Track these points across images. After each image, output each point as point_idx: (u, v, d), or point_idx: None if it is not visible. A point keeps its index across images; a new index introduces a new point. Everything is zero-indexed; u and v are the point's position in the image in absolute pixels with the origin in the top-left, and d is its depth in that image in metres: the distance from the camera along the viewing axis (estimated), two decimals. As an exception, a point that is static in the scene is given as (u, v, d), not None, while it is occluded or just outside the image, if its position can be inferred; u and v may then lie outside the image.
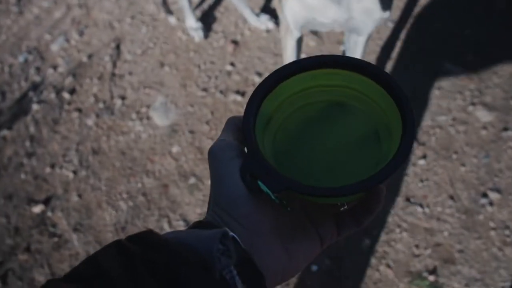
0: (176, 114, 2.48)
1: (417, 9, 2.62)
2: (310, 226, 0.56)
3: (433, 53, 2.47)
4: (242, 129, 0.54)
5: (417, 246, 1.97)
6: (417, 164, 2.17)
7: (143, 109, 2.52)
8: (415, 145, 2.21)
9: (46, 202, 2.33)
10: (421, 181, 2.12)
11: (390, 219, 2.05)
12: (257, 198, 0.51)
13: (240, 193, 0.51)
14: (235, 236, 0.48)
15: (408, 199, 2.08)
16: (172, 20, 2.79)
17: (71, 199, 2.32)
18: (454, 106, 2.30)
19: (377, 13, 1.58)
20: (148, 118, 2.50)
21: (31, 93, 2.67)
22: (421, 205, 2.06)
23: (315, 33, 2.59)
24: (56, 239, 2.22)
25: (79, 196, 2.32)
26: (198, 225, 0.52)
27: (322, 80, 0.59)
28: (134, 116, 2.51)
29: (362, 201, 0.54)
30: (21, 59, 2.82)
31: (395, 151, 0.51)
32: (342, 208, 0.57)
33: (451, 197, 2.07)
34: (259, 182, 0.50)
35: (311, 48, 2.55)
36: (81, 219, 2.26)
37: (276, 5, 1.82)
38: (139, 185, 2.31)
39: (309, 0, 1.55)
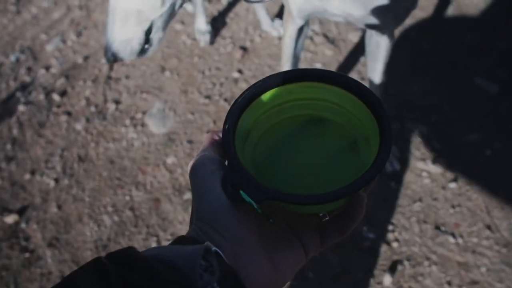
0: (175, 122, 2.22)
1: (446, 18, 2.37)
2: (294, 237, 0.55)
3: (464, 66, 2.20)
4: (222, 142, 0.55)
5: (449, 283, 1.65)
6: (448, 187, 1.86)
7: (138, 115, 2.26)
8: (444, 165, 1.92)
9: (21, 212, 2.05)
10: (453, 207, 1.82)
11: (417, 249, 1.73)
12: (240, 210, 0.51)
13: (222, 205, 0.51)
14: (218, 251, 0.47)
15: (438, 227, 1.77)
16: (177, 24, 2.56)
17: (49, 210, 2.03)
18: (487, 123, 2.01)
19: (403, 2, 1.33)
20: (143, 125, 2.23)
21: (18, 94, 2.43)
22: (453, 235, 1.75)
23: (331, 41, 2.34)
24: (27, 255, 1.93)
25: (59, 207, 2.04)
26: (181, 240, 0.50)
27: (299, 93, 0.61)
28: (127, 122, 2.25)
29: (345, 210, 0.55)
30: (12, 58, 2.59)
31: (374, 159, 0.52)
32: (324, 219, 0.56)
33: (488, 227, 1.75)
34: (241, 193, 0.50)
35: (328, 58, 2.29)
36: (58, 233, 1.97)
37: None
38: (127, 198, 2.03)
39: None
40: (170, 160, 2.10)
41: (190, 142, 2.14)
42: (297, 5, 1.44)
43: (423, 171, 1.91)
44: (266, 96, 0.59)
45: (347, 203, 0.54)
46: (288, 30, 1.63)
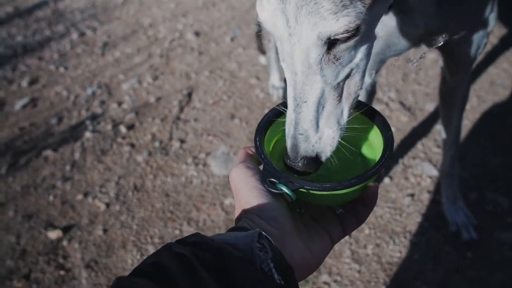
0: (237, 167, 2.15)
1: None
2: (320, 227, 0.69)
3: None
4: (255, 150, 0.70)
5: None
6: (530, 268, 1.67)
7: (201, 155, 2.21)
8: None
9: (66, 230, 1.97)
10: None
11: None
12: (279, 203, 0.64)
13: (266, 200, 0.64)
14: (268, 236, 0.58)
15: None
16: (252, 79, 2.59)
17: (94, 232, 1.95)
18: None
19: (484, 12, 1.22)
20: (205, 165, 2.17)
21: (87, 122, 2.45)
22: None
23: (408, 109, 2.28)
24: (62, 272, 1.82)
25: (105, 230, 1.95)
26: (233, 229, 0.61)
27: None
28: (189, 160, 2.20)
29: (360, 201, 0.69)
30: (89, 91, 2.66)
31: (378, 159, 0.67)
32: (338, 211, 0.70)
33: None
34: (278, 185, 0.64)
35: (402, 123, 2.22)
36: (98, 256, 1.86)
37: None
38: (177, 232, 1.92)
39: (388, 20, 1.19)
40: (227, 201, 2.01)
41: (250, 186, 2.05)
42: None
43: (505, 243, 1.73)
44: (285, 116, 0.74)
45: (360, 195, 0.68)
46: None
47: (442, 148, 1.78)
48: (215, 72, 2.69)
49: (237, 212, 0.65)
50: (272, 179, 0.64)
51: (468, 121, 2.21)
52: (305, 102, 0.77)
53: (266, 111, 2.36)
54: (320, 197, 0.65)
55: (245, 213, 0.63)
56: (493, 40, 2.67)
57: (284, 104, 0.75)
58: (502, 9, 2.85)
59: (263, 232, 0.57)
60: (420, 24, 1.19)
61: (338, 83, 0.78)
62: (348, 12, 0.70)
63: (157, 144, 2.29)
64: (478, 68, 2.49)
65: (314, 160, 0.78)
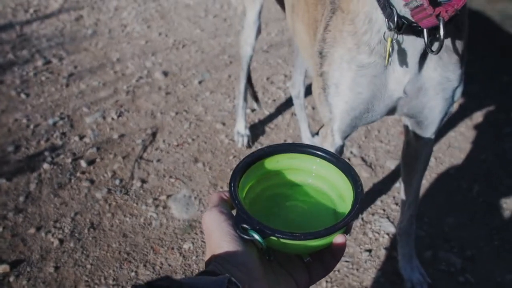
0: (198, 211, 2.13)
1: (484, 161, 2.38)
2: (287, 274, 0.71)
3: (502, 208, 2.15)
4: (230, 195, 0.68)
5: None
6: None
7: (162, 197, 2.19)
8: None
9: (14, 264, 1.88)
10: None
11: None
12: (249, 250, 0.65)
13: (237, 245, 0.64)
14: (237, 282, 0.58)
15: None
16: (218, 124, 2.60)
17: (45, 269, 1.87)
18: None
19: (455, 83, 1.27)
20: (165, 207, 2.15)
21: (46, 153, 2.39)
22: None
23: (369, 165, 2.34)
24: (7, 311, 1.73)
25: (56, 268, 1.88)
26: (203, 273, 0.62)
27: (285, 163, 0.76)
28: (150, 201, 2.16)
29: (328, 251, 0.69)
30: (50, 121, 2.60)
31: (349, 211, 0.68)
32: (306, 260, 0.71)
33: None
34: (250, 232, 0.65)
35: (363, 179, 2.27)
36: (48, 296, 1.79)
37: (317, 97, 1.38)
38: (132, 274, 1.87)
39: (371, 71, 1.22)
40: (186, 245, 1.98)
41: (210, 232, 2.04)
42: (342, 108, 1.30)
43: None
44: (263, 162, 0.75)
45: (329, 245, 0.68)
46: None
47: (401, 207, 1.83)
48: (181, 114, 2.70)
49: (207, 256, 0.66)
50: (245, 225, 0.65)
51: (426, 181, 2.28)
52: None
53: (231, 157, 2.37)
54: (290, 245, 0.66)
55: (216, 257, 0.64)
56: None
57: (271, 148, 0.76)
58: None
59: (232, 278, 0.58)
60: (400, 86, 1.24)
61: None
62: None
63: (117, 182, 2.25)
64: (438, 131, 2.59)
65: None
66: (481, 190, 2.26)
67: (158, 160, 2.39)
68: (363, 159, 2.39)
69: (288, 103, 2.72)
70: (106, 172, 2.31)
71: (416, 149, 1.57)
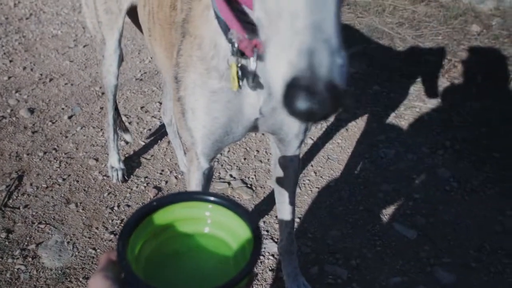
0: (73, 257, 1.97)
1: (362, 170, 2.44)
2: None
3: (382, 213, 2.20)
4: (117, 257, 0.64)
5: None
6: None
7: (31, 246, 2.00)
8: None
9: None
10: None
11: None
12: None
13: None
14: None
15: None
16: (91, 160, 2.45)
17: None
18: (409, 267, 1.96)
19: None
20: (35, 257, 1.96)
21: None
22: None
23: (249, 186, 2.31)
24: None
25: None
26: None
27: (180, 213, 0.72)
28: (17, 252, 1.97)
29: None
30: None
31: (247, 261, 0.64)
32: None
33: None
34: None
35: (245, 201, 2.23)
36: None
37: (178, 122, 1.35)
38: (-3, 338, 1.68)
39: (224, 96, 1.18)
40: (59, 297, 1.81)
41: (87, 278, 1.88)
42: (202, 132, 1.27)
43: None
44: (152, 217, 0.70)
45: None
46: (193, 177, 1.43)
47: (279, 225, 1.80)
48: (50, 153, 2.51)
49: None
50: None
51: (307, 196, 2.29)
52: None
53: (105, 194, 2.23)
54: None
55: None
56: (326, 117, 2.86)
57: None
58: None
59: None
60: (255, 109, 1.21)
61: None
62: None
63: (-23, 236, 2.03)
64: (315, 144, 2.63)
65: (339, 96, 0.51)
66: (361, 199, 2.30)
67: (26, 206, 2.19)
68: (243, 181, 2.35)
69: (164, 131, 2.63)
70: (-36, 227, 2.07)
71: (283, 166, 1.55)
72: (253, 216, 0.72)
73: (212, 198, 0.72)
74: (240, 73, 1.10)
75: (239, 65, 1.08)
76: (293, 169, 1.56)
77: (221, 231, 0.73)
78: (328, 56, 0.49)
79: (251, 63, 1.00)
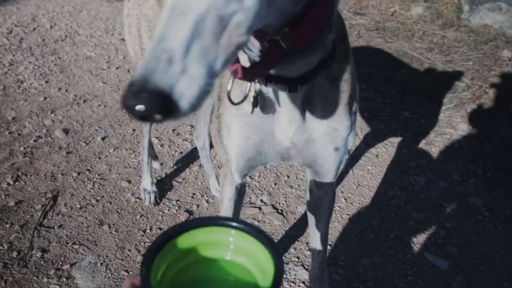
0: (106, 278, 2.00)
1: (392, 197, 2.43)
2: None
3: (413, 242, 2.19)
4: (141, 284, 0.61)
5: None
6: None
7: (65, 266, 2.03)
8: None
9: None
10: None
11: None
12: None
13: None
14: None
15: None
16: (123, 182, 2.49)
17: None
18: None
19: (343, 133, 1.28)
20: (69, 277, 1.99)
21: None
22: None
23: (280, 212, 2.32)
24: None
25: None
26: None
27: (202, 238, 0.71)
28: (51, 272, 2.00)
29: None
30: None
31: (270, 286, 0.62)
32: None
33: None
34: None
35: (276, 227, 2.24)
36: None
37: (214, 139, 1.40)
38: None
39: (256, 119, 1.24)
40: (92, 318, 1.84)
41: (119, 300, 1.91)
42: (235, 150, 1.33)
43: None
44: (175, 242, 0.70)
45: None
46: (226, 191, 1.50)
47: (311, 253, 1.80)
48: (83, 174, 2.56)
49: None
50: None
51: (337, 223, 2.29)
52: (183, 13, 0.63)
53: (138, 217, 2.26)
54: None
55: None
56: (358, 142, 2.86)
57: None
58: (365, 107, 3.07)
59: None
60: (286, 136, 1.24)
61: (224, 18, 0.65)
62: None
63: (14, 254, 2.07)
64: (345, 170, 2.63)
65: (162, 99, 0.58)
66: (392, 227, 2.29)
67: (60, 226, 2.23)
68: (274, 207, 2.36)
69: (195, 154, 2.66)
70: (1, 244, 2.12)
71: (318, 197, 1.56)
72: (276, 244, 0.69)
73: (235, 224, 0.71)
74: (252, 98, 1.14)
75: (251, 90, 1.13)
76: (327, 200, 1.57)
77: (244, 257, 0.72)
78: (163, 63, 0.58)
79: (228, 85, 0.99)
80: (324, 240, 1.69)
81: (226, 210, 1.53)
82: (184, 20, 0.62)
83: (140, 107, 0.58)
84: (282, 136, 1.26)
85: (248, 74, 0.96)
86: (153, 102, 0.57)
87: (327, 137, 1.27)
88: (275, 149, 1.30)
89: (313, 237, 1.71)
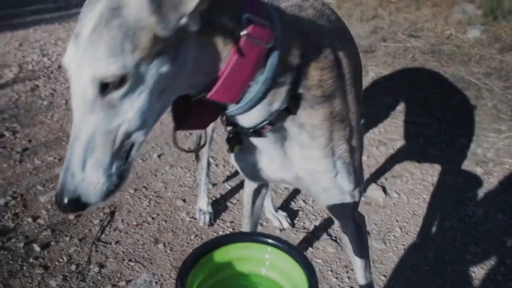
0: (160, 296, 2.03)
1: (449, 228, 2.37)
2: None
3: (471, 277, 2.13)
4: None
5: None
6: None
7: (121, 283, 2.07)
8: None
9: None
10: None
11: None
12: None
13: None
14: None
15: None
16: (179, 201, 2.53)
17: None
18: None
19: (328, 175, 1.27)
20: (125, 294, 2.04)
21: (-4, 238, 2.26)
22: None
23: (334, 239, 2.30)
24: None
25: None
26: None
27: (234, 253, 0.73)
28: (108, 288, 2.05)
29: None
30: (1, 201, 2.47)
31: None
32: None
33: None
34: None
35: (329, 254, 2.22)
36: None
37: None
38: None
39: (241, 154, 1.32)
40: (147, 337, 1.87)
41: (173, 320, 1.93)
42: (240, 170, 1.45)
43: None
44: (210, 256, 0.73)
45: None
46: (246, 188, 1.72)
47: (359, 284, 1.76)
48: (140, 191, 2.61)
49: None
50: None
51: (392, 253, 2.25)
52: (77, 139, 0.86)
53: (192, 237, 2.28)
54: None
55: None
56: (413, 170, 2.82)
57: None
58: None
59: None
60: (271, 171, 1.32)
61: (112, 131, 0.87)
62: (116, 60, 0.83)
63: (73, 267, 2.13)
64: (400, 198, 2.59)
65: (76, 202, 0.86)
66: (449, 260, 2.24)
67: (117, 242, 2.29)
68: (328, 233, 2.35)
69: (250, 175, 2.68)
70: (61, 257, 2.18)
71: (344, 231, 1.54)
72: (310, 261, 0.70)
73: (271, 241, 0.73)
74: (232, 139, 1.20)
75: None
76: (350, 233, 1.52)
77: (278, 274, 0.73)
78: (69, 178, 0.86)
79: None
80: (362, 275, 1.62)
81: (246, 204, 1.75)
82: (78, 143, 0.86)
83: (63, 207, 0.87)
84: (268, 171, 1.32)
85: (181, 126, 1.08)
86: (69, 204, 0.86)
87: (311, 177, 1.27)
88: (269, 178, 1.37)
89: (355, 269, 1.66)
